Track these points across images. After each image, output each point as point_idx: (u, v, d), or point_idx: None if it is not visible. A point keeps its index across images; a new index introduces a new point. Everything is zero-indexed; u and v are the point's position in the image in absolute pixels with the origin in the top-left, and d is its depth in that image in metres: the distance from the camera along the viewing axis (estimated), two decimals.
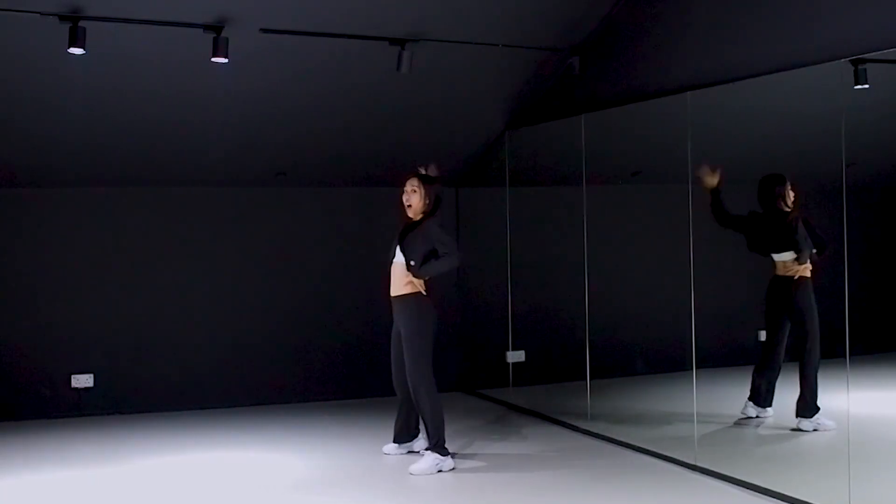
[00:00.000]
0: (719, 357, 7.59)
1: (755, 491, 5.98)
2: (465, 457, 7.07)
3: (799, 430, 6.86)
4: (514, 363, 9.05)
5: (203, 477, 6.67)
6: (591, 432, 7.61)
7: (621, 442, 7.30)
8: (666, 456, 6.82)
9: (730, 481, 6.20)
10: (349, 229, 9.28)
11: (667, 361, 8.12)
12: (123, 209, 8.70)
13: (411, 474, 6.64)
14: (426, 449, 6.85)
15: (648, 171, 8.37)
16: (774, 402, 7.21)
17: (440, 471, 6.71)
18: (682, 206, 6.79)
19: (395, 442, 7.24)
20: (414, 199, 6.89)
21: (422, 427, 7.02)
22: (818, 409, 6.81)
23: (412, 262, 6.78)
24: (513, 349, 9.04)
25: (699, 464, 6.51)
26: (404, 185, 6.96)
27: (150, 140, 7.97)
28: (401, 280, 6.86)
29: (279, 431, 8.00)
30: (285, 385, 9.14)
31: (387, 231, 7.29)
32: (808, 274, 6.96)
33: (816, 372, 6.80)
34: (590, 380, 7.86)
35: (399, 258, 6.88)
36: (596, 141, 7.80)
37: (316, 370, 9.23)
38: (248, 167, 8.66)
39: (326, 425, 8.22)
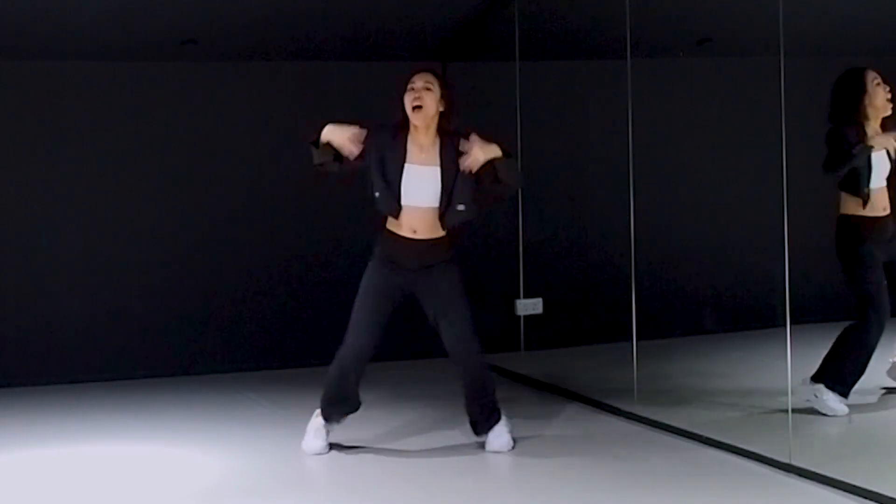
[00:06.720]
0: (822, 309, 7.62)
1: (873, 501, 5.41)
2: (461, 453, 6.69)
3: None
4: (526, 316, 8.82)
5: (82, 478, 6.24)
6: (639, 416, 7.17)
7: (681, 430, 6.84)
8: (746, 451, 6.34)
9: (838, 487, 5.68)
10: (287, 120, 8.79)
11: (748, 315, 8.12)
12: None
13: (504, 451, 6.80)
14: (497, 421, 6.85)
15: (721, 39, 8.34)
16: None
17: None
18: (771, 88, 6.32)
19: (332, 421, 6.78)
20: (427, 101, 6.54)
21: (473, 400, 6.88)
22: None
23: (461, 207, 6.65)
24: (525, 297, 8.83)
25: (794, 462, 6.00)
26: (411, 79, 6.59)
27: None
28: (432, 220, 6.72)
29: (183, 414, 7.68)
30: (195, 349, 8.83)
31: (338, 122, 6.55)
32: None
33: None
34: (636, 341, 7.45)
35: (425, 199, 6.66)
36: None
37: (239, 328, 8.93)
38: (144, 34, 8.29)
39: (249, 405, 7.99)
